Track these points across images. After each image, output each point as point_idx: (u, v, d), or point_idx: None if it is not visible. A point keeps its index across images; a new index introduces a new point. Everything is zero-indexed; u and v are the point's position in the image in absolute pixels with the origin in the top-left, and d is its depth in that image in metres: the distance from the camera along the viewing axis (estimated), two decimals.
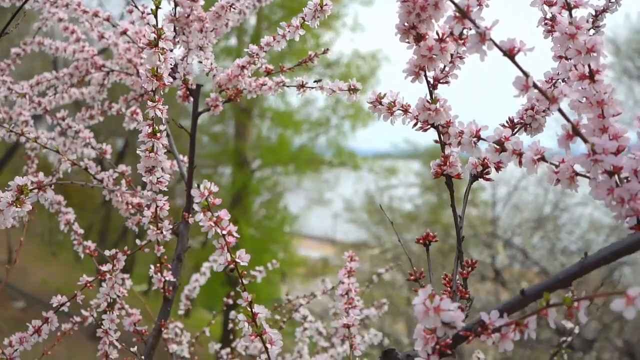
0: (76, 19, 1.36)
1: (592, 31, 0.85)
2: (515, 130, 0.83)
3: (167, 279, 1.13)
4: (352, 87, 1.04)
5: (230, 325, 1.61)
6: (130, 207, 1.22)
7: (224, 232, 0.76)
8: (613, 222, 6.99)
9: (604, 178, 0.62)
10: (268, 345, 0.78)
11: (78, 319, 1.29)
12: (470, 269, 0.76)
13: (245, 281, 1.47)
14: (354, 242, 10.17)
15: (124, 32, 1.28)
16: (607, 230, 6.73)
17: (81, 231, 1.25)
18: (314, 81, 1.11)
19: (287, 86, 1.16)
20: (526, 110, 0.82)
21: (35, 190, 0.80)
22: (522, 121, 0.83)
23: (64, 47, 1.39)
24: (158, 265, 1.13)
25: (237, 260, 0.77)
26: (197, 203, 0.74)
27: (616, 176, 0.63)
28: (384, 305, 1.75)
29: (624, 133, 0.64)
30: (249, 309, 0.78)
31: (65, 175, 1.29)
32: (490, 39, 0.60)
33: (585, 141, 0.62)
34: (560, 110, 0.62)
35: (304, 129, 11.89)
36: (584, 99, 0.67)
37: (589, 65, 0.65)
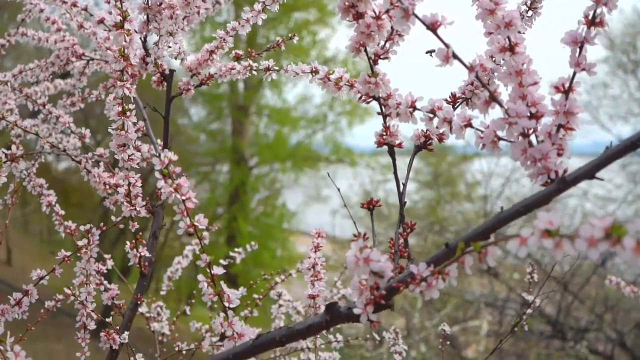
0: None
1: (530, 12, 0.91)
2: (457, 104, 0.89)
3: (142, 254, 1.19)
4: (313, 69, 1.10)
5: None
6: (107, 187, 1.28)
7: (184, 197, 0.81)
8: (606, 214, 7.06)
9: (520, 140, 0.68)
10: (226, 304, 0.84)
11: (60, 296, 1.34)
12: (410, 230, 0.82)
13: (226, 266, 1.53)
14: (352, 238, 10.19)
15: (101, 21, 1.33)
16: None
17: (62, 212, 1.30)
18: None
19: (255, 70, 1.22)
20: (467, 85, 0.88)
21: (8, 162, 0.86)
22: (463, 95, 0.88)
23: (46, 37, 1.45)
24: (133, 241, 1.19)
25: (196, 224, 0.82)
26: (157, 170, 0.80)
27: (534, 138, 0.69)
28: None
29: (541, 100, 0.70)
30: (208, 270, 0.84)
31: (64, 172, 1.35)
32: (414, 14, 0.66)
33: (502, 106, 0.68)
34: (478, 79, 0.68)
35: (301, 125, 11.95)
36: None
37: (508, 38, 0.71)
